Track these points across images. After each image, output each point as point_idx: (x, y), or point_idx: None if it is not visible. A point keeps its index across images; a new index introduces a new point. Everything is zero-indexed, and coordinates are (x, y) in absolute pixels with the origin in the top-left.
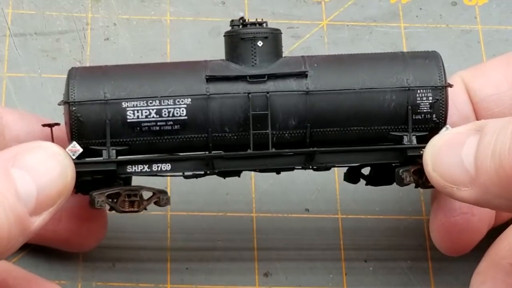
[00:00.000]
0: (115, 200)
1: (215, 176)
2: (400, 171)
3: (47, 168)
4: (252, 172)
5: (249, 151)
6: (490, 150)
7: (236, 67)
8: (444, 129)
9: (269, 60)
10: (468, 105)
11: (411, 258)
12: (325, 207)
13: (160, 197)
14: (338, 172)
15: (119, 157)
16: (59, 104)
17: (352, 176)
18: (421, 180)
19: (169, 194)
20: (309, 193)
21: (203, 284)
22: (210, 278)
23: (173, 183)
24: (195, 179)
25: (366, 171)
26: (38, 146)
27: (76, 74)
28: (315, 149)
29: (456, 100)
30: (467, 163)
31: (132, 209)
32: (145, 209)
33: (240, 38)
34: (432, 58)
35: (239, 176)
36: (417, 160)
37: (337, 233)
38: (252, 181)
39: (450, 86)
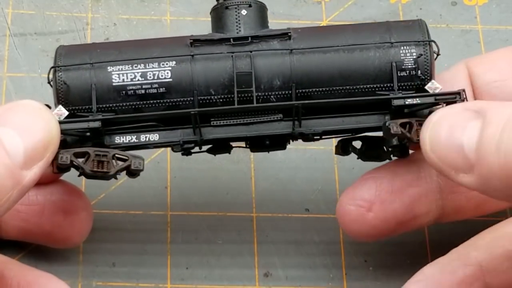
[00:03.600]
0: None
1: (215, 176)
2: (387, 122)
3: (30, 123)
4: (252, 172)
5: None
6: (495, 144)
7: (221, 35)
8: (439, 106)
9: (254, 29)
10: (469, 90)
11: (411, 257)
12: (325, 207)
13: (132, 161)
14: (338, 172)
15: (105, 115)
16: (48, 78)
17: (343, 148)
18: (410, 133)
19: (145, 161)
20: (309, 193)
21: (203, 284)
22: (210, 278)
23: (173, 182)
24: (187, 156)
25: (359, 149)
26: (19, 103)
27: (64, 47)
28: (300, 101)
29: (457, 85)
30: (468, 150)
31: (101, 170)
32: (116, 175)
33: (225, 7)
34: (415, 22)
35: (229, 153)
36: (404, 111)
37: (337, 233)
38: (252, 181)
39: (434, 42)
